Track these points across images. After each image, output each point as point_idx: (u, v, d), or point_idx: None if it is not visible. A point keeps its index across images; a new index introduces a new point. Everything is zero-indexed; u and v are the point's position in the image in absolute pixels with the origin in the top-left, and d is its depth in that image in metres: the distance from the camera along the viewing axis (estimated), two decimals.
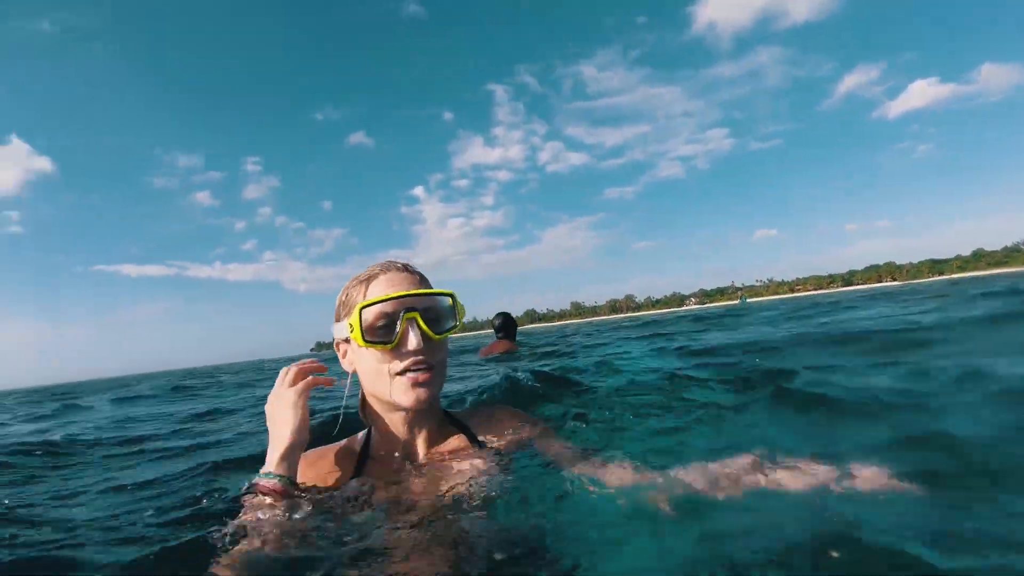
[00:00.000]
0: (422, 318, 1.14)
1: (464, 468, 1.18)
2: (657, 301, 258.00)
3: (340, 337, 1.22)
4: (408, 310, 1.13)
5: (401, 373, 1.13)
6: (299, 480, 1.11)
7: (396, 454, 1.23)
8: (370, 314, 1.12)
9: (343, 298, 1.23)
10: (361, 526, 1.01)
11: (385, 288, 1.17)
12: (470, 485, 1.12)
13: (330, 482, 1.17)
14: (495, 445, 1.28)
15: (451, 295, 1.21)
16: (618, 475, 1.15)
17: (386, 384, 1.14)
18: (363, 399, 1.31)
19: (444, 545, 0.94)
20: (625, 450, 1.35)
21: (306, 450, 1.18)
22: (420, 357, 1.13)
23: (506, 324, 5.46)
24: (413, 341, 1.11)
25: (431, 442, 1.25)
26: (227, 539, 0.96)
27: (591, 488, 1.11)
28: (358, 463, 1.21)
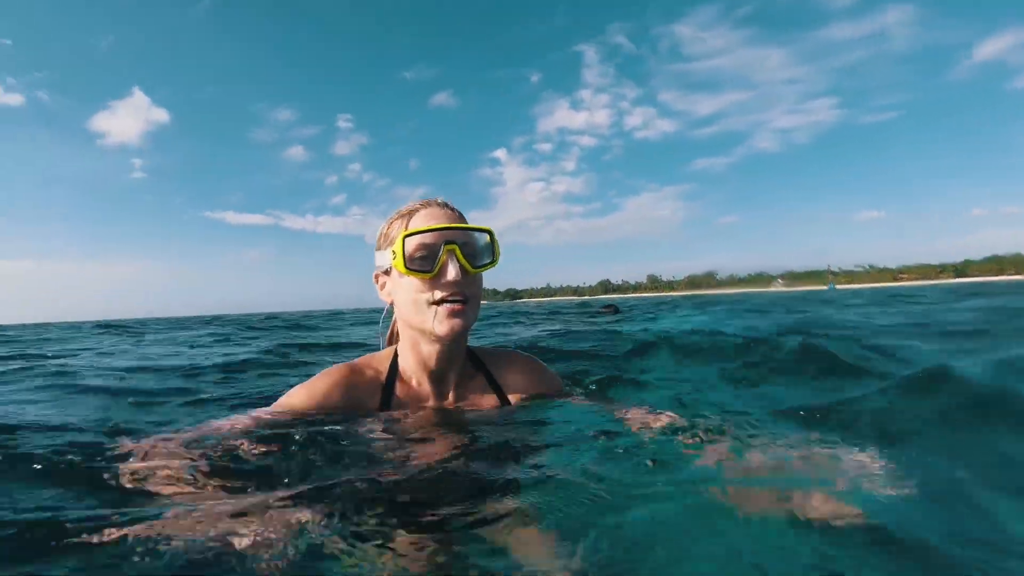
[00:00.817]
0: (461, 251, 1.21)
1: (482, 407, 1.34)
2: (740, 279, 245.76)
3: (380, 268, 1.31)
4: (448, 242, 1.20)
5: (439, 303, 1.20)
6: (328, 396, 1.25)
7: (422, 384, 1.33)
8: (412, 244, 1.20)
9: (385, 230, 1.31)
10: (383, 454, 1.08)
11: (426, 221, 1.24)
12: (485, 424, 1.24)
13: (362, 400, 1.28)
14: (510, 389, 1.40)
15: (489, 232, 1.27)
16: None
17: (423, 312, 1.21)
18: (392, 331, 1.42)
19: (456, 481, 0.96)
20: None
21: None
22: (457, 288, 1.20)
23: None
24: (452, 272, 1.19)
25: (455, 375, 1.35)
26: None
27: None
28: (385, 386, 1.32)
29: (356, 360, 1.37)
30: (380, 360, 1.38)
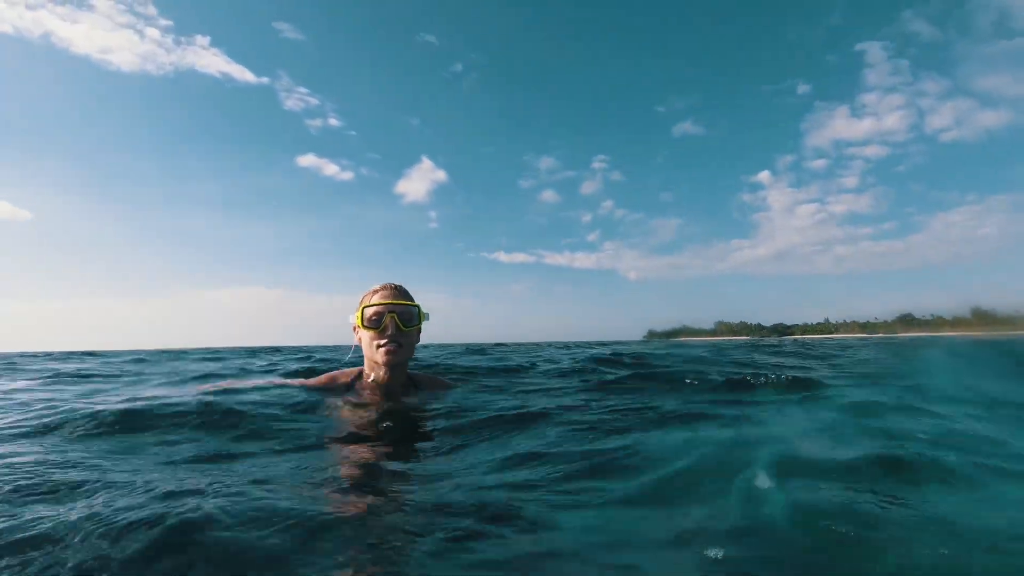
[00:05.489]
0: (398, 317, 2.09)
1: (406, 405, 2.16)
2: None
3: (352, 323, 2.24)
4: (390, 311, 2.10)
5: (382, 346, 2.10)
6: (320, 385, 2.27)
7: (375, 392, 2.21)
8: (368, 311, 2.14)
9: (359, 300, 2.24)
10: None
11: (380, 298, 2.17)
12: (407, 415, 2.03)
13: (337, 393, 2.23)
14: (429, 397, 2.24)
15: (417, 306, 2.18)
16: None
17: (373, 351, 2.14)
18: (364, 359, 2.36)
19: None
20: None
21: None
22: (392, 337, 2.10)
23: None
24: (390, 329, 2.10)
25: (397, 390, 2.22)
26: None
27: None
28: (351, 387, 2.26)
29: (335, 372, 2.38)
30: (350, 373, 2.34)
